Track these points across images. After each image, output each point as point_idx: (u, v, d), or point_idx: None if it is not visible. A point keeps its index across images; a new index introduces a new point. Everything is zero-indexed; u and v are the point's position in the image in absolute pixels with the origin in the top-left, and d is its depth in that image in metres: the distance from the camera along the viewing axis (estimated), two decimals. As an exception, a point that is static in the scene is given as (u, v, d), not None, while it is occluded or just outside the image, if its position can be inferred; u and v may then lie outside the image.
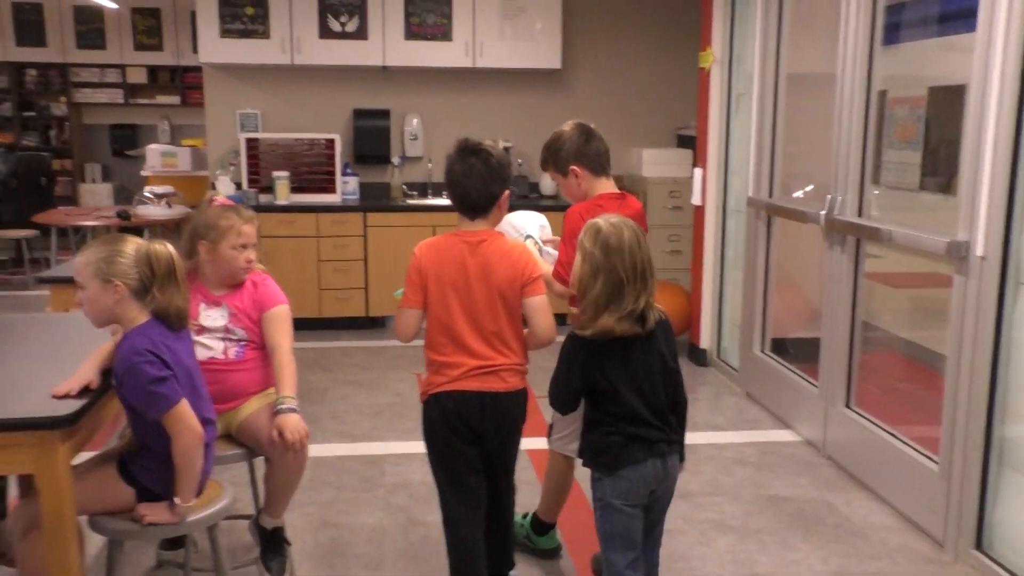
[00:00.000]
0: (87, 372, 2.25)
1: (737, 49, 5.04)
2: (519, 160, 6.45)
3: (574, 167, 2.85)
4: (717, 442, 4.21)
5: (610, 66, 6.61)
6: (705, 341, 5.45)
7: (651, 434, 2.26)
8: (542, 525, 3.08)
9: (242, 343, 2.71)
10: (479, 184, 2.44)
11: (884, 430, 3.62)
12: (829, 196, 3.86)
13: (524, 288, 2.45)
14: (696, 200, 5.36)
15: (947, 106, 3.42)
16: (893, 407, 3.81)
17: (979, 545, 3.02)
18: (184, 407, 2.14)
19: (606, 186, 2.90)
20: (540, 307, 2.46)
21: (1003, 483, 2.97)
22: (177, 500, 2.20)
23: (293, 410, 2.58)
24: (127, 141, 9.51)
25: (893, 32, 3.65)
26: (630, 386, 2.25)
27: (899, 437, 3.53)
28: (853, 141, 3.72)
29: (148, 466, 2.24)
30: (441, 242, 2.49)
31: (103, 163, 9.61)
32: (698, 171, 5.33)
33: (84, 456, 2.34)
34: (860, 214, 3.74)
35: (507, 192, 2.51)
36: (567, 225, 2.74)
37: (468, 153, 2.45)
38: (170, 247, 2.23)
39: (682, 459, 2.39)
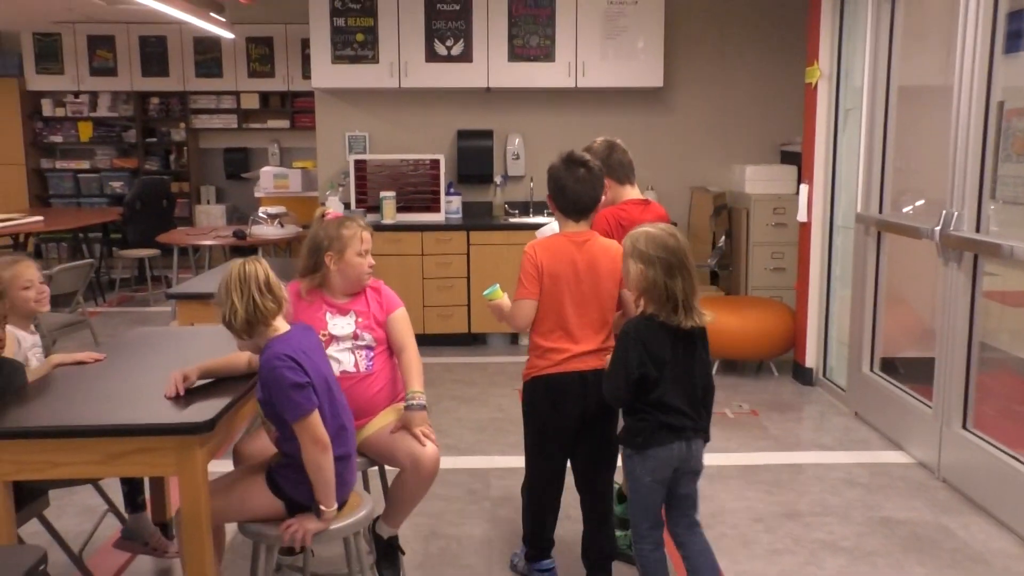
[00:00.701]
0: (191, 370, 2.45)
1: (845, 63, 4.97)
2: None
3: None
4: (824, 462, 4.14)
5: (712, 83, 6.60)
6: (811, 360, 5.35)
7: (682, 422, 2.50)
8: None
9: (370, 350, 2.83)
10: (588, 190, 2.77)
11: (1005, 452, 3.50)
12: (944, 211, 3.76)
13: (622, 280, 2.71)
14: (802, 217, 5.29)
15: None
16: (1013, 429, 3.68)
17: (1110, 574, 2.90)
18: (315, 418, 2.25)
19: (631, 193, 3.17)
20: (631, 297, 2.68)
21: None
22: (322, 507, 2.30)
23: (423, 406, 2.76)
24: (239, 164, 9.92)
25: (1014, 40, 3.56)
26: (674, 376, 2.47)
27: (1021, 460, 3.41)
28: (971, 154, 3.62)
29: (294, 477, 2.34)
30: (551, 242, 2.79)
31: (217, 185, 10.05)
32: (804, 187, 5.26)
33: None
34: (978, 229, 3.64)
35: (603, 198, 2.84)
36: (595, 225, 2.96)
37: (575, 163, 2.79)
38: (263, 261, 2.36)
39: (706, 440, 2.60)
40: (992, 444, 3.58)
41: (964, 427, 3.77)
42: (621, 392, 2.51)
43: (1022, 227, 3.58)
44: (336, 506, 2.33)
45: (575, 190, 2.75)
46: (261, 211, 6.73)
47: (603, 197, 2.85)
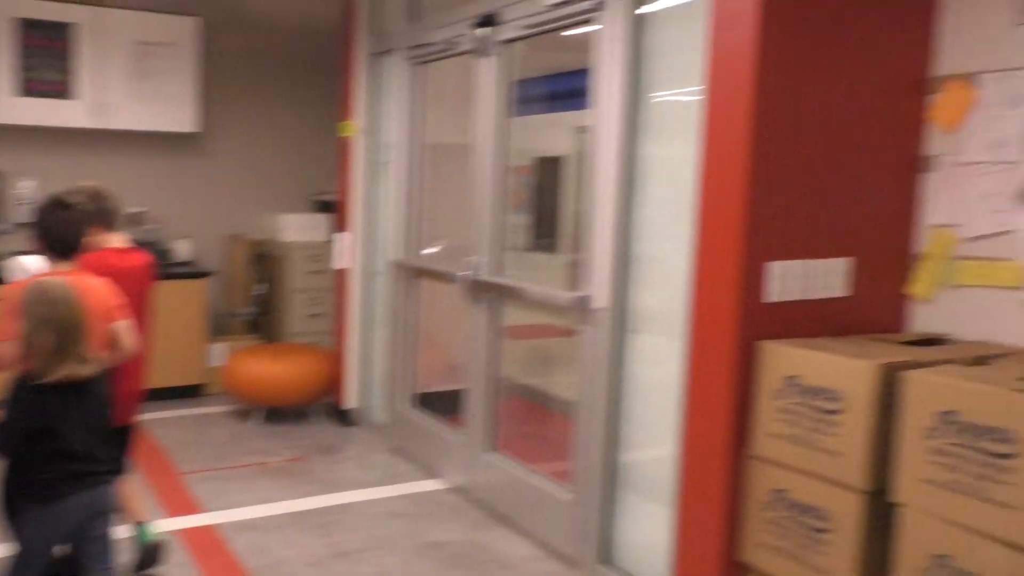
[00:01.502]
0: None
1: (379, 119, 5.30)
2: (156, 225, 6.10)
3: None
4: (370, 498, 4.32)
5: (250, 131, 6.57)
6: (352, 401, 5.55)
7: (85, 468, 2.60)
8: None
9: None
10: (70, 230, 2.86)
11: (524, 469, 3.98)
12: (470, 258, 4.21)
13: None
14: (339, 263, 5.51)
15: (549, 174, 3.94)
16: (528, 448, 4.21)
17: (607, 560, 3.44)
18: None
19: (114, 241, 3.23)
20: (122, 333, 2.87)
21: (623, 503, 3.43)
22: None
23: None
24: None
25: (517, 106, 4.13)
26: (69, 425, 2.54)
27: (538, 474, 3.91)
28: (490, 207, 4.11)
29: None
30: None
31: None
32: (341, 235, 5.49)
33: None
34: (498, 273, 4.13)
35: (90, 237, 2.96)
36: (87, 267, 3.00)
37: (59, 204, 2.89)
38: None
39: (115, 478, 2.79)
40: (513, 463, 4.06)
41: (492, 450, 4.21)
42: (11, 448, 2.53)
43: (522, 269, 4.14)
44: None
45: (57, 230, 2.84)
46: None
47: (89, 239, 2.90)
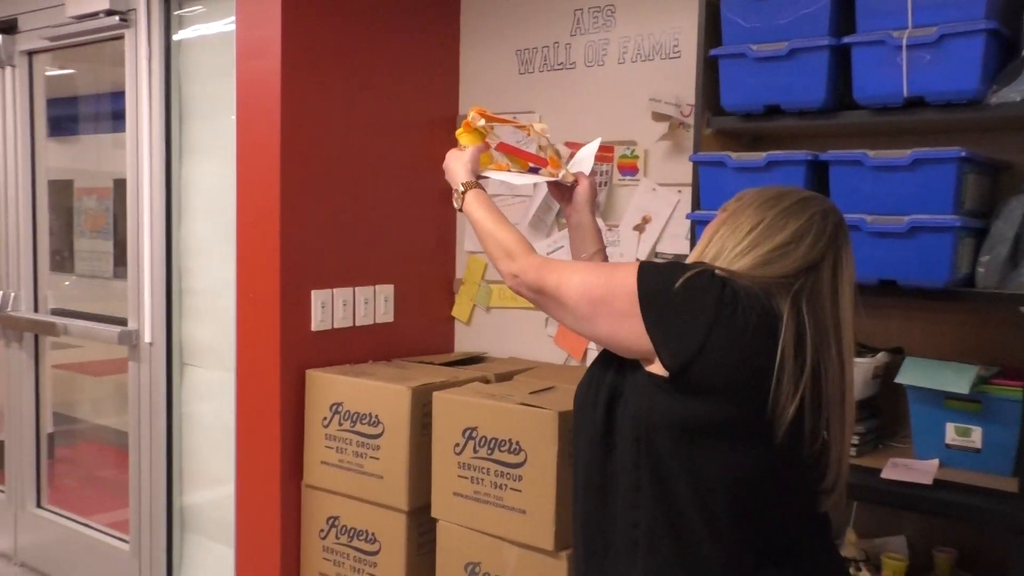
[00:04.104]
0: None
1: None
2: None
3: None
4: None
5: None
6: None
7: None
8: None
9: None
10: None
11: (79, 523, 3.62)
12: (1, 292, 3.74)
13: None
14: None
15: (124, 198, 3.63)
16: (92, 497, 3.83)
17: (171, 611, 3.24)
18: None
19: None
20: None
21: (187, 547, 3.25)
22: None
23: None
24: None
25: (65, 125, 3.77)
26: None
27: (92, 526, 3.57)
28: (23, 235, 3.69)
29: None
30: None
31: None
32: None
33: None
34: (36, 309, 3.72)
35: None
36: None
37: None
38: None
39: None
40: (67, 517, 3.67)
41: (39, 506, 3.78)
42: None
43: (102, 300, 3.76)
44: None
45: None
46: None
47: None
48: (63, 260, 3.83)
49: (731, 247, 1.38)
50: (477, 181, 1.73)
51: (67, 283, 3.80)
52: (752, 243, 1.37)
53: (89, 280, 3.81)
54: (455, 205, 1.72)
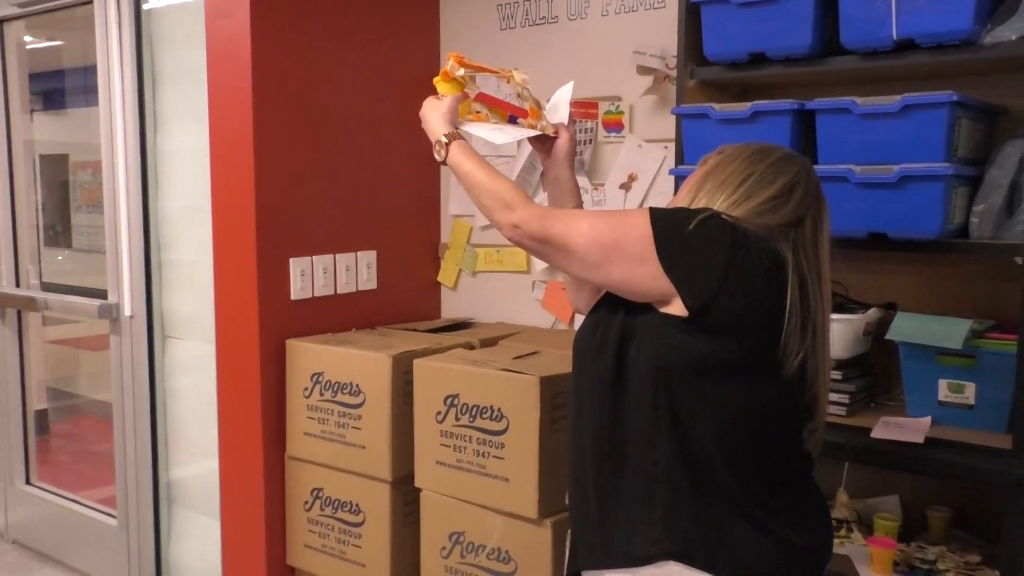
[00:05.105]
0: None
1: None
2: None
3: None
4: None
5: None
6: None
7: None
8: None
9: None
10: None
11: (67, 499, 3.58)
12: (-18, 268, 3.69)
13: None
14: None
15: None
16: (85, 472, 3.79)
17: (161, 584, 3.21)
18: None
19: None
20: None
21: (174, 521, 3.21)
22: None
23: None
24: None
25: (59, 98, 3.70)
26: None
27: (80, 502, 3.53)
28: (0, 207, 3.62)
29: None
30: None
31: None
32: None
33: None
34: (18, 284, 3.66)
35: None
36: None
37: None
38: None
39: None
40: (57, 493, 3.64)
41: (28, 483, 3.74)
42: None
43: (99, 273, 3.70)
44: None
45: None
46: None
47: None
48: (57, 235, 3.77)
49: (724, 198, 1.41)
50: (458, 131, 1.66)
51: (60, 257, 3.74)
52: (745, 194, 1.41)
53: (86, 254, 3.75)
54: (437, 158, 1.65)
